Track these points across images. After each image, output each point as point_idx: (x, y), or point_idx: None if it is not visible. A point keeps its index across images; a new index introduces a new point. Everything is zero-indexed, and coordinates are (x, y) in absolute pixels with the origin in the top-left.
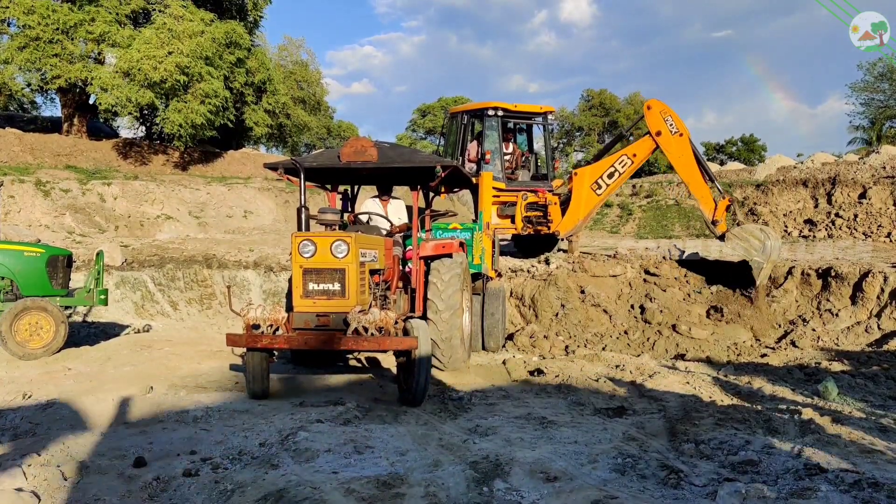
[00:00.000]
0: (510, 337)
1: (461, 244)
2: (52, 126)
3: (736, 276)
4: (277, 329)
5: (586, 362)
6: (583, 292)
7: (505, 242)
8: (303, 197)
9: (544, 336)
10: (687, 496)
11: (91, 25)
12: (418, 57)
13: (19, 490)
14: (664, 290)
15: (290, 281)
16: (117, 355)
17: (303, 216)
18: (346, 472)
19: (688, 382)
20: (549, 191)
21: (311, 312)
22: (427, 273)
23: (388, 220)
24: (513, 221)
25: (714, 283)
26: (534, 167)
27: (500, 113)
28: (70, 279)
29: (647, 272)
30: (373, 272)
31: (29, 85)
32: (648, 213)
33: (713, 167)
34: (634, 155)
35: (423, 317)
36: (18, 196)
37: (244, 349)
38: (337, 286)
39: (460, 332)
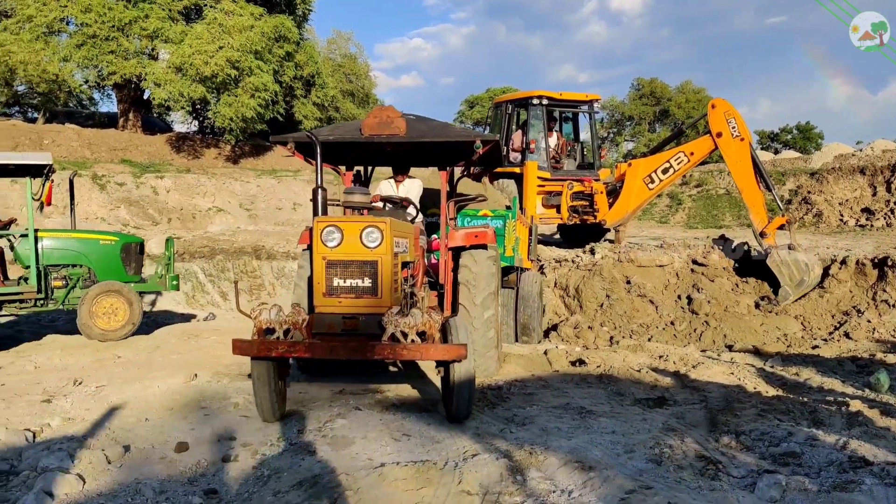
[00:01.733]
0: (554, 328)
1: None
2: (108, 121)
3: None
4: (295, 334)
5: (629, 353)
6: (628, 283)
7: (553, 234)
8: (319, 176)
9: (588, 327)
10: (724, 487)
11: (145, 22)
12: (467, 48)
13: (65, 472)
14: (712, 281)
15: (308, 278)
16: (166, 344)
17: (319, 198)
18: (382, 458)
19: (732, 373)
20: (596, 180)
21: (337, 314)
22: (455, 268)
23: (399, 200)
24: (558, 211)
25: (763, 274)
26: (580, 156)
27: (544, 101)
28: (143, 265)
29: (695, 262)
30: (403, 265)
31: (87, 81)
32: (699, 203)
33: (766, 157)
34: (692, 153)
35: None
36: (76, 189)
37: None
38: (368, 282)
39: (494, 338)
